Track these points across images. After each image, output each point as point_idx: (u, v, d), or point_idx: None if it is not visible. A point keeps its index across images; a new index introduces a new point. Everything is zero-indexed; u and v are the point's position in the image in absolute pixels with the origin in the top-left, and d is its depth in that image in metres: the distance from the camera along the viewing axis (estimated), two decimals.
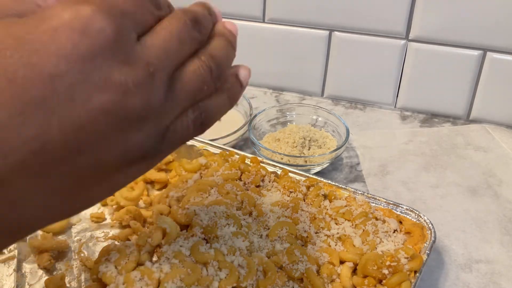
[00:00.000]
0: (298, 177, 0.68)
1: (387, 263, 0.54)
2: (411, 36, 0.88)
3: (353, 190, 0.66)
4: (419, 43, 0.88)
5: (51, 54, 0.27)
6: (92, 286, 0.55)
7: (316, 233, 0.60)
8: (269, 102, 0.97)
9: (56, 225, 0.65)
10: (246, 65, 0.40)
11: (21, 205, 0.28)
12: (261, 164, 0.70)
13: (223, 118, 0.95)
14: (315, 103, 0.96)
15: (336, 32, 0.92)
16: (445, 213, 0.71)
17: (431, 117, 0.93)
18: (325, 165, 0.77)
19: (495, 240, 0.67)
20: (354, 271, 0.57)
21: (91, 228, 0.66)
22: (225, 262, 0.54)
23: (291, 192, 0.65)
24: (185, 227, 0.60)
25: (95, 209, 0.69)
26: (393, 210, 0.64)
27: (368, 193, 0.66)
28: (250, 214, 0.62)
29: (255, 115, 0.82)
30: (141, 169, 0.33)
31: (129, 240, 0.62)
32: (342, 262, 0.57)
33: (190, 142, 0.75)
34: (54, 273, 0.60)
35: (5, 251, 0.62)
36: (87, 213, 0.68)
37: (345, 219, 0.61)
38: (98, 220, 0.67)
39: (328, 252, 0.57)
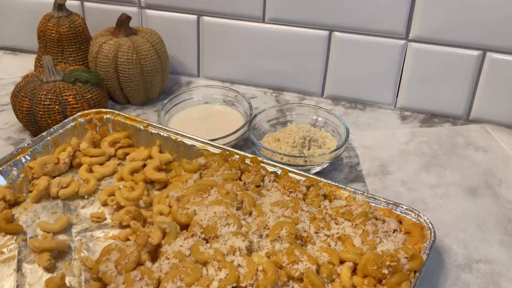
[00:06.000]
0: (298, 177, 0.68)
1: (387, 263, 0.54)
2: (411, 36, 0.88)
3: (353, 190, 0.66)
4: (419, 43, 0.88)
5: None
6: (93, 286, 0.55)
7: (316, 233, 0.60)
8: (269, 102, 0.97)
9: (56, 225, 0.65)
10: None
11: None
12: (261, 164, 0.70)
13: (223, 118, 0.94)
14: (315, 103, 0.96)
15: (336, 32, 0.92)
16: (445, 213, 0.71)
17: (431, 117, 0.93)
18: (325, 165, 0.77)
19: (495, 240, 0.67)
20: (354, 271, 0.57)
21: (91, 228, 0.66)
22: (225, 262, 0.54)
23: (291, 192, 0.65)
24: (185, 227, 0.60)
25: (95, 209, 0.69)
26: (393, 210, 0.64)
27: (368, 193, 0.66)
28: (250, 214, 0.62)
29: (255, 115, 0.82)
30: None
31: (129, 240, 0.62)
32: (342, 262, 0.57)
33: (190, 142, 0.75)
34: (54, 273, 0.60)
35: (5, 251, 0.62)
36: (87, 213, 0.68)
37: (345, 219, 0.61)
38: (98, 220, 0.67)
39: (328, 252, 0.57)
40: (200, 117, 0.88)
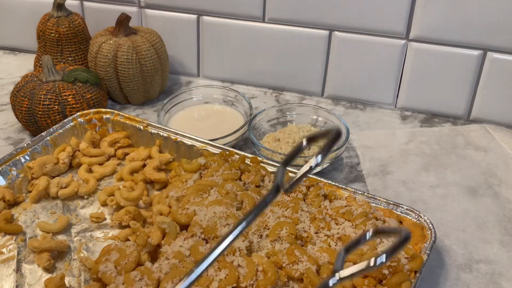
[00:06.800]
0: None
1: (387, 263, 0.54)
2: (411, 36, 0.88)
3: (353, 190, 0.66)
4: (419, 43, 0.88)
5: None
6: (92, 286, 0.55)
7: (316, 233, 0.60)
8: (269, 102, 0.97)
9: (56, 225, 0.65)
10: None
11: None
12: (261, 164, 0.70)
13: (223, 118, 0.94)
14: (315, 103, 0.96)
15: (336, 32, 0.92)
16: (445, 213, 0.71)
17: (431, 117, 0.93)
18: (325, 165, 0.77)
19: (495, 240, 0.67)
20: None
21: (91, 228, 0.66)
22: (225, 262, 0.54)
23: (291, 192, 0.65)
24: (185, 227, 0.60)
25: (95, 209, 0.69)
26: (393, 210, 0.64)
27: (368, 193, 0.66)
28: None
29: (255, 115, 0.82)
30: None
31: (128, 240, 0.62)
32: None
33: (190, 142, 0.75)
34: (54, 273, 0.60)
35: (4, 251, 0.62)
36: (86, 213, 0.68)
37: (345, 219, 0.61)
38: (98, 220, 0.67)
39: (328, 252, 0.57)
40: (200, 117, 0.88)
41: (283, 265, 0.55)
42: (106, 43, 0.89)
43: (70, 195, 0.70)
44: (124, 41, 0.89)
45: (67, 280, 0.58)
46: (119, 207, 0.67)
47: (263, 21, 0.95)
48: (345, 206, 0.63)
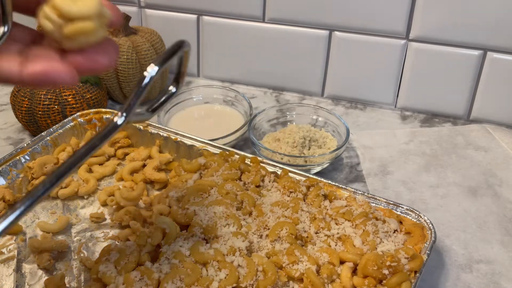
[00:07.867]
0: (298, 177, 0.68)
1: (387, 263, 0.54)
2: (411, 36, 0.88)
3: (353, 190, 0.66)
4: (419, 43, 0.88)
5: None
6: (92, 286, 0.55)
7: (316, 233, 0.60)
8: (269, 102, 0.97)
9: (56, 225, 0.65)
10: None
11: None
12: (261, 164, 0.70)
13: (223, 118, 0.94)
14: (315, 103, 0.96)
15: (336, 32, 0.92)
16: (446, 213, 0.71)
17: (431, 117, 0.93)
18: (325, 165, 0.77)
19: (495, 240, 0.67)
20: (354, 271, 0.57)
21: (91, 228, 0.66)
22: (225, 262, 0.54)
23: (291, 192, 0.65)
24: (185, 227, 0.60)
25: (95, 209, 0.69)
26: (393, 210, 0.64)
27: (368, 193, 0.66)
28: (250, 214, 0.62)
29: (255, 115, 0.82)
30: None
31: (129, 240, 0.62)
32: (342, 262, 0.57)
33: (190, 142, 0.75)
34: (54, 273, 0.60)
35: (4, 251, 0.62)
36: (86, 213, 0.68)
37: (345, 219, 0.61)
38: (98, 220, 0.67)
39: (328, 252, 0.57)
40: (200, 117, 0.88)
41: (283, 265, 0.55)
42: None
43: (70, 195, 0.70)
44: (124, 41, 0.89)
45: (67, 280, 0.58)
46: (119, 207, 0.67)
47: (263, 21, 0.95)
48: (345, 206, 0.63)
